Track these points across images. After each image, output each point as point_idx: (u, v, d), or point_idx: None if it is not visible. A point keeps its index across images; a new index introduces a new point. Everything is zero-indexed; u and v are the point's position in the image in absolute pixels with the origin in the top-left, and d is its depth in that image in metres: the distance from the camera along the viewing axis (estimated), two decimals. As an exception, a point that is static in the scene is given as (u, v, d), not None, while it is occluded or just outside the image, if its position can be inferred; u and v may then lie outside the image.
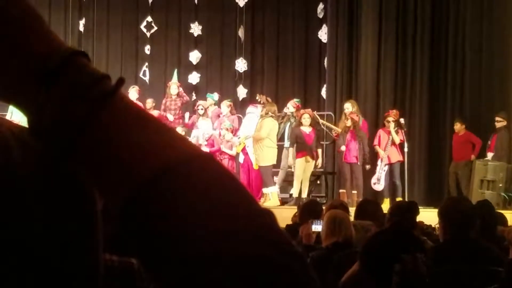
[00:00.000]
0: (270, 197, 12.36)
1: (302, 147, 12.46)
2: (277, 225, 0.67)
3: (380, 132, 13.08)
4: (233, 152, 13.34)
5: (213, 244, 0.63)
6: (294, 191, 12.55)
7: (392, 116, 12.88)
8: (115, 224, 0.67)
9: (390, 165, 12.86)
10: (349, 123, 12.71)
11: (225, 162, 13.23)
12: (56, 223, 0.71)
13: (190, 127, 14.10)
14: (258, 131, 12.45)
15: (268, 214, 0.67)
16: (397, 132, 12.81)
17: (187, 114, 14.61)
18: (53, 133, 0.68)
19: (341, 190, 12.88)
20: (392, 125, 12.83)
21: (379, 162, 12.89)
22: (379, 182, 12.83)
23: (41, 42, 0.69)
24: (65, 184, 0.72)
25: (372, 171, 12.98)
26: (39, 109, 0.68)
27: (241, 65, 16.29)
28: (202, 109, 13.92)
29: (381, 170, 12.82)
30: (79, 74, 0.68)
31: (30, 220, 0.70)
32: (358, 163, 12.69)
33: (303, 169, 12.51)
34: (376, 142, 13.02)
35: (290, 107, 13.21)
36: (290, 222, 7.67)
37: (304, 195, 12.40)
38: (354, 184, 12.69)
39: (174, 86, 14.58)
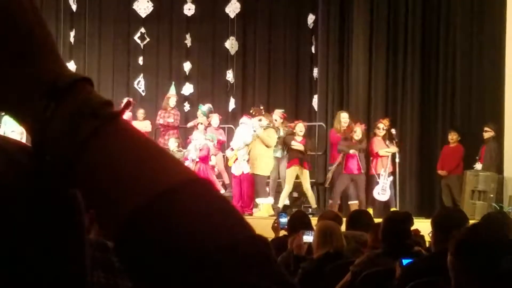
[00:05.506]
0: (261, 208, 12.36)
1: (294, 155, 12.46)
2: (272, 253, 0.68)
3: (375, 140, 13.05)
4: (212, 163, 13.34)
5: (206, 272, 0.63)
6: (281, 200, 12.57)
7: (383, 123, 12.92)
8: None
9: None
10: (360, 135, 12.65)
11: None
12: (41, 232, 0.72)
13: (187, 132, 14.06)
14: (267, 138, 12.27)
15: (262, 242, 0.67)
16: (389, 145, 12.85)
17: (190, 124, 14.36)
18: (59, 146, 0.69)
19: (350, 202, 12.76)
20: (382, 132, 12.86)
21: (382, 172, 12.87)
22: (384, 192, 12.79)
23: (55, 60, 0.73)
24: (50, 194, 0.72)
25: (374, 181, 12.99)
26: (45, 122, 0.69)
27: (232, 76, 16.30)
28: (202, 124, 13.71)
29: (385, 180, 12.80)
30: (88, 95, 0.71)
31: (14, 227, 0.70)
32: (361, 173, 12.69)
33: (293, 178, 12.51)
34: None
35: (278, 118, 13.19)
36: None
37: (314, 205, 12.57)
38: (355, 195, 12.68)
39: (173, 99, 14.46)
